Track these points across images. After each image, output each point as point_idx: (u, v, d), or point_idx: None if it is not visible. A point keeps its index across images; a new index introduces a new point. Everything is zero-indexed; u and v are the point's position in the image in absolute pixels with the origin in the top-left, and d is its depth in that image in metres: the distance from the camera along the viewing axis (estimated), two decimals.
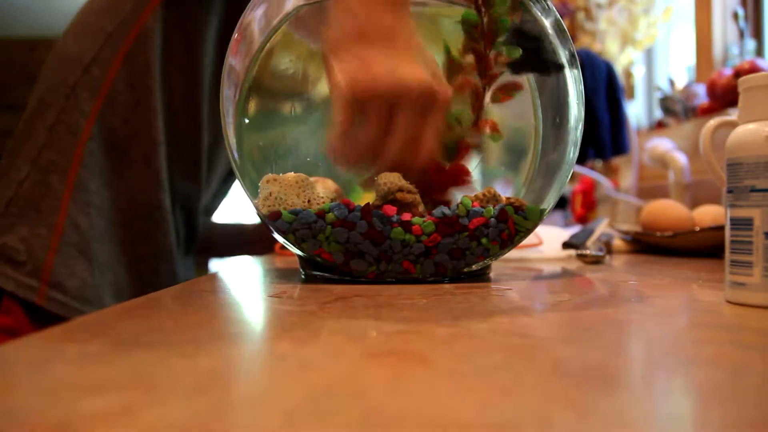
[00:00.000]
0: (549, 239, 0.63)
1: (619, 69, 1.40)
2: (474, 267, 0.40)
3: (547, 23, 0.42)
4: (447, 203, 0.41)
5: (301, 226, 0.37)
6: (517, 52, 0.41)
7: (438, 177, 0.41)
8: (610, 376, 0.17)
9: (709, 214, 0.68)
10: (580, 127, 0.42)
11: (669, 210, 0.69)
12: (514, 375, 0.17)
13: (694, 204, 0.99)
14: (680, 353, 0.20)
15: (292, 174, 0.39)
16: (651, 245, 0.69)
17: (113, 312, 0.27)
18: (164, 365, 0.18)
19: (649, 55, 1.61)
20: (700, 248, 0.63)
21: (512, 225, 0.40)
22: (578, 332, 0.23)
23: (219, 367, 0.18)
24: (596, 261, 0.55)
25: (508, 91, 0.41)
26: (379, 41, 0.37)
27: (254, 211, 0.40)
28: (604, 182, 1.30)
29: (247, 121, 0.41)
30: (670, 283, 0.39)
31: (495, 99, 0.41)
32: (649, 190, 1.27)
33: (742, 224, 0.28)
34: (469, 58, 0.41)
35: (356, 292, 0.34)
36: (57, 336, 0.21)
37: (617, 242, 0.73)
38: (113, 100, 0.58)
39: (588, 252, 0.56)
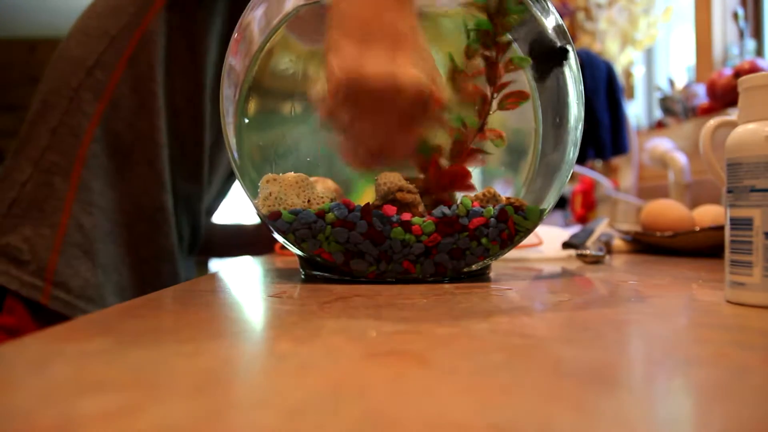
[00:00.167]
0: (549, 239, 0.63)
1: (619, 69, 1.40)
2: (474, 267, 0.40)
3: (547, 24, 0.42)
4: (447, 203, 0.41)
5: (301, 226, 0.37)
6: (527, 62, 0.41)
7: (439, 177, 0.41)
8: (610, 376, 0.17)
9: (709, 214, 0.68)
10: (580, 127, 0.42)
11: (669, 210, 0.69)
12: (514, 375, 0.17)
13: (694, 204, 0.99)
14: (680, 353, 0.20)
15: (292, 174, 0.39)
16: (651, 245, 0.69)
17: (113, 312, 0.27)
18: (164, 365, 0.18)
19: (649, 55, 1.61)
20: (700, 248, 0.63)
21: (512, 225, 0.40)
22: (578, 332, 0.23)
23: (219, 367, 0.18)
24: (596, 261, 0.55)
25: (516, 99, 0.41)
26: (381, 39, 0.37)
27: (254, 211, 0.40)
28: (604, 182, 1.30)
29: (247, 121, 0.41)
30: (670, 283, 0.39)
31: (502, 106, 0.41)
32: (649, 190, 1.27)
33: (742, 224, 0.28)
34: (478, 65, 0.41)
35: (356, 292, 0.34)
36: (57, 336, 0.21)
37: (617, 242, 0.73)
38: (117, 103, 0.58)
39: (588, 252, 0.56)
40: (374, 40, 0.37)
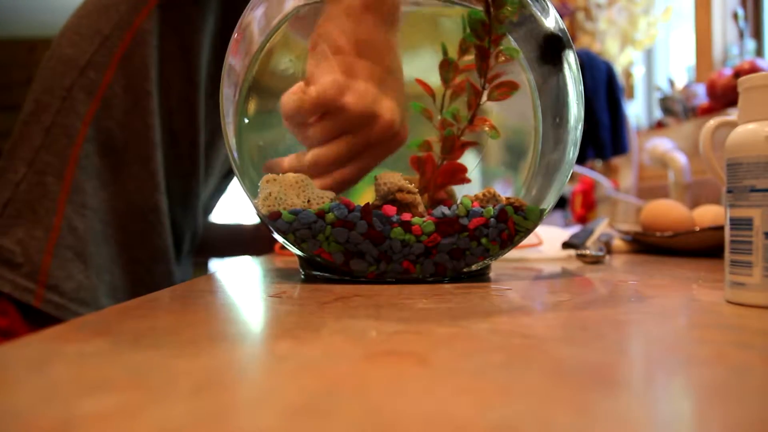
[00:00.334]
0: (549, 239, 0.63)
1: (619, 69, 1.40)
2: (474, 267, 0.40)
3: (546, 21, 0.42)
4: (447, 202, 0.41)
5: (301, 226, 0.37)
6: (517, 53, 0.41)
7: (434, 174, 0.41)
8: (610, 376, 0.17)
9: (709, 214, 0.68)
10: (580, 127, 0.42)
11: (669, 210, 0.69)
12: (514, 375, 0.17)
13: (694, 204, 1.00)
14: (680, 353, 0.20)
15: (291, 174, 0.39)
16: (651, 245, 0.69)
17: (112, 312, 0.27)
18: (164, 365, 0.18)
19: (649, 55, 1.61)
20: (700, 248, 0.63)
21: (512, 225, 0.40)
22: (578, 332, 0.23)
23: (219, 367, 0.18)
24: (596, 261, 0.55)
25: (506, 90, 0.41)
26: (363, 56, 0.39)
27: (254, 211, 0.40)
28: (604, 182, 1.30)
29: (247, 121, 0.41)
30: (670, 283, 0.39)
31: (492, 97, 0.41)
32: (649, 190, 1.27)
33: (742, 224, 0.28)
34: (469, 56, 0.41)
35: (356, 292, 0.34)
36: (56, 336, 0.21)
37: (617, 242, 0.73)
38: (109, 103, 0.58)
39: (588, 252, 0.56)
40: (357, 55, 0.39)
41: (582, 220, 1.32)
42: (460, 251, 0.39)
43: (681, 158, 1.06)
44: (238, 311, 0.30)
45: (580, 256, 0.56)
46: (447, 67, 0.41)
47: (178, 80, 0.63)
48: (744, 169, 0.28)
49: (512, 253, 0.60)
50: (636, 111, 1.54)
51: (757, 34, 1.26)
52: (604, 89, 1.18)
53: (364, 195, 0.42)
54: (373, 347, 0.20)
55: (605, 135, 1.17)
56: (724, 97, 1.02)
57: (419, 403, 0.14)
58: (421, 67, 0.43)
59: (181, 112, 0.64)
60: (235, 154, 0.41)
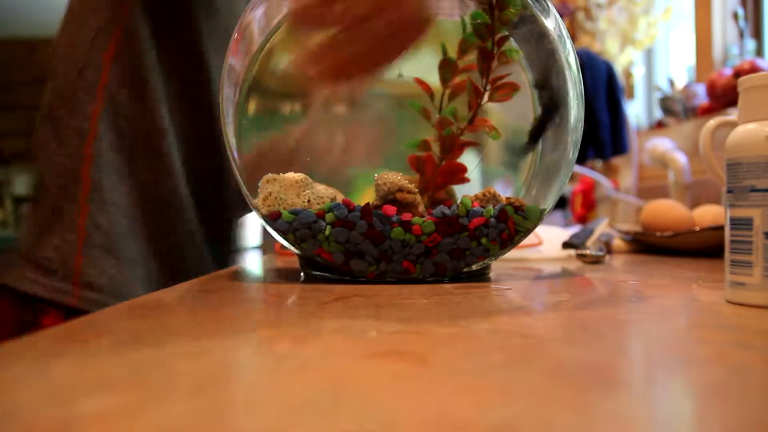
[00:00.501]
0: (549, 239, 0.63)
1: (619, 69, 1.40)
2: (474, 267, 0.40)
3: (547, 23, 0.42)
4: (447, 202, 0.41)
5: (301, 226, 0.37)
6: (518, 54, 0.41)
7: (434, 174, 0.41)
8: (610, 376, 0.17)
9: (709, 214, 0.68)
10: (580, 127, 0.42)
11: (669, 210, 0.69)
12: (514, 375, 0.17)
13: (694, 204, 1.00)
14: (680, 353, 0.20)
15: (292, 174, 0.39)
16: (651, 245, 0.69)
17: (113, 312, 0.27)
18: (164, 365, 0.18)
19: (649, 55, 1.61)
20: (700, 248, 0.63)
21: (512, 225, 0.40)
22: (578, 332, 0.23)
23: (219, 367, 0.18)
24: (596, 261, 0.55)
25: (507, 91, 0.41)
26: None
27: (254, 211, 0.40)
28: (604, 182, 1.30)
29: (246, 121, 0.41)
30: (670, 283, 0.39)
31: (493, 98, 0.41)
32: (649, 190, 1.27)
33: (742, 224, 0.28)
34: (471, 57, 0.41)
35: (356, 292, 0.34)
36: (57, 336, 0.21)
37: (617, 242, 0.73)
38: (112, 100, 0.58)
39: (588, 252, 0.56)
40: None
41: (582, 220, 1.32)
42: (460, 251, 0.39)
43: (681, 158, 1.06)
44: (239, 311, 0.30)
45: (580, 256, 0.56)
46: (447, 67, 0.41)
47: (178, 64, 0.62)
48: (744, 169, 0.28)
49: (512, 253, 0.60)
50: (636, 111, 1.54)
51: (757, 34, 1.26)
52: (604, 89, 1.18)
53: (364, 195, 0.42)
54: (373, 347, 0.20)
55: (605, 135, 1.17)
56: (724, 97, 1.02)
57: (419, 403, 0.14)
58: (420, 67, 0.43)
59: (190, 89, 0.63)
60: (236, 154, 0.41)
